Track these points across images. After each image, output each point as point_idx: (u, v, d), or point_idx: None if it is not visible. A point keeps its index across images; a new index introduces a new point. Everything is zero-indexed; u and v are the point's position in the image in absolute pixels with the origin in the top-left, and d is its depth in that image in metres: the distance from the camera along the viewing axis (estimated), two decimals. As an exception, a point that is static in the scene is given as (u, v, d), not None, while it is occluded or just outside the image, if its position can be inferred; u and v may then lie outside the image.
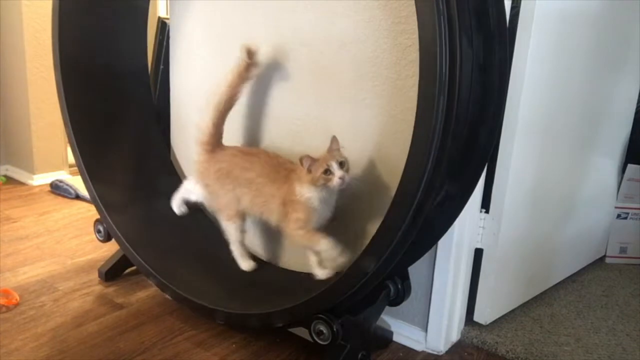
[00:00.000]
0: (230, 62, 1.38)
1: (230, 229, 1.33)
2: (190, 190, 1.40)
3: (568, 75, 1.38)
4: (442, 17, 0.81)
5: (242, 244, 1.36)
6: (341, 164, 1.10)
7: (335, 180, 1.09)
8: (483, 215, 1.30)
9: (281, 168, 1.22)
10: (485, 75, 0.93)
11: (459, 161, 0.95)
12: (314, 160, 1.11)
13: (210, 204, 1.38)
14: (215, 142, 1.32)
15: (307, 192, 1.14)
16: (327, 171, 1.09)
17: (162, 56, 1.84)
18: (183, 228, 1.48)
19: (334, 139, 1.14)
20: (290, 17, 1.29)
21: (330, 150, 1.13)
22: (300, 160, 1.12)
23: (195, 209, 1.47)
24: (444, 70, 0.83)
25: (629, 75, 1.69)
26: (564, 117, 1.43)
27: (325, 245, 1.14)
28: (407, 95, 1.13)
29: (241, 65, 1.26)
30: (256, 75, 1.30)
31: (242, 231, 1.35)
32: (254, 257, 1.41)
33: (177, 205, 1.44)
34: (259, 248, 1.50)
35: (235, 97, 1.29)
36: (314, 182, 1.12)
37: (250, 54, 1.25)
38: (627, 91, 1.72)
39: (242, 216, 1.33)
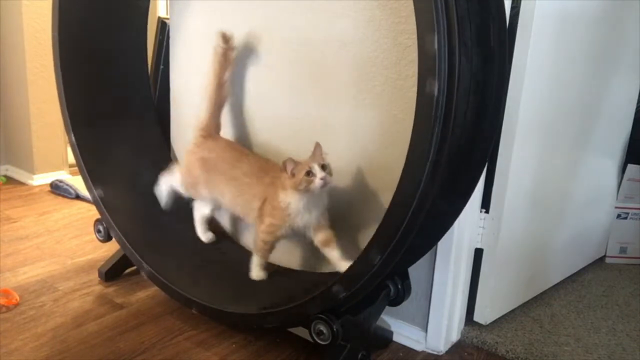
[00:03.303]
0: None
1: (198, 208, 1.42)
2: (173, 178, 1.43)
3: (568, 75, 1.38)
4: (441, 17, 0.81)
5: (205, 221, 1.45)
6: (323, 167, 1.11)
7: (317, 181, 1.09)
8: (483, 215, 1.30)
9: (270, 170, 1.23)
10: (485, 74, 0.93)
11: (459, 161, 0.95)
12: (297, 163, 1.12)
13: (186, 186, 1.40)
14: (211, 130, 1.36)
15: (288, 198, 1.15)
16: (309, 173, 1.10)
17: (162, 56, 1.85)
18: (183, 228, 1.48)
19: (317, 145, 1.15)
20: (290, 17, 1.29)
21: (313, 155, 1.14)
22: (284, 163, 1.13)
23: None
24: (443, 70, 0.83)
25: (629, 75, 1.69)
26: (564, 117, 1.43)
27: (254, 272, 1.27)
28: (407, 95, 1.13)
29: (219, 53, 1.31)
30: (235, 59, 1.34)
31: (210, 213, 1.44)
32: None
33: (163, 196, 1.44)
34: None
35: (224, 85, 1.34)
36: (295, 186, 1.12)
37: (226, 38, 1.30)
38: (627, 91, 1.72)
39: (214, 203, 1.38)
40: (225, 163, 1.30)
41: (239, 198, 1.28)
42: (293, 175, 1.12)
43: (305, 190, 1.12)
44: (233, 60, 1.34)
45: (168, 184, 1.42)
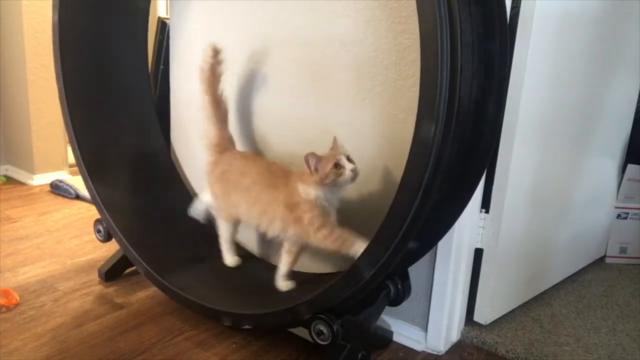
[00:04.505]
0: (229, 62, 1.38)
1: (223, 228, 1.36)
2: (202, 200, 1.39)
3: (568, 75, 1.38)
4: (443, 19, 0.81)
5: (232, 241, 1.38)
6: (348, 159, 1.08)
7: (347, 173, 1.06)
8: (483, 215, 1.30)
9: (279, 172, 1.20)
10: (486, 75, 0.93)
11: (459, 162, 0.95)
12: (320, 157, 1.08)
13: (212, 204, 1.37)
14: (224, 145, 1.32)
15: (312, 191, 1.10)
16: (337, 165, 1.06)
17: (162, 56, 1.85)
18: (183, 228, 1.48)
19: (335, 140, 1.12)
20: (290, 17, 1.29)
21: (334, 148, 1.12)
22: (306, 158, 1.08)
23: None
24: (444, 72, 0.83)
25: (629, 75, 1.69)
26: (564, 117, 1.43)
27: (362, 247, 1.03)
28: (407, 95, 1.13)
29: (206, 69, 1.28)
30: (222, 72, 1.30)
31: (234, 232, 1.37)
32: (248, 255, 1.46)
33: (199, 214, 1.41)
34: (259, 249, 1.50)
35: (219, 98, 1.30)
36: (322, 181, 1.07)
37: (215, 51, 1.27)
38: (627, 91, 1.72)
39: (236, 220, 1.33)
40: (237, 172, 1.26)
41: (254, 207, 1.22)
42: (316, 170, 1.08)
43: (332, 183, 1.07)
44: (221, 73, 1.29)
45: (202, 206, 1.39)
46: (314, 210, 1.10)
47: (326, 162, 1.07)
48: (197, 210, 1.40)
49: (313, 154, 1.08)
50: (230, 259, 1.39)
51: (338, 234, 1.08)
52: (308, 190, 1.11)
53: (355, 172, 1.07)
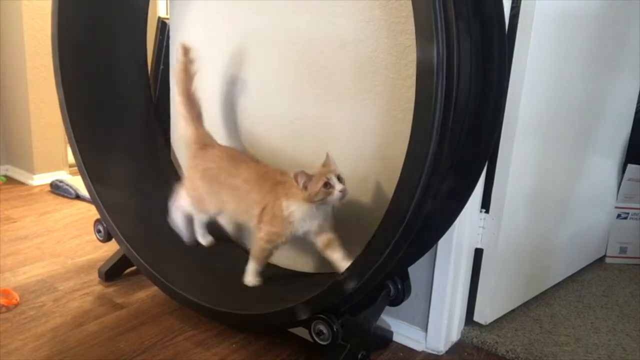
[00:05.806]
0: (229, 62, 1.38)
1: (198, 218, 1.39)
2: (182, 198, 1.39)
3: (568, 75, 1.38)
4: (439, 16, 0.81)
5: (205, 225, 1.42)
6: (338, 178, 1.10)
7: (336, 194, 1.08)
8: (483, 215, 1.30)
9: (269, 177, 1.21)
10: (485, 72, 0.93)
11: (459, 160, 0.95)
12: (309, 176, 1.10)
13: (193, 203, 1.36)
14: (203, 141, 1.33)
15: (292, 207, 1.13)
16: (327, 184, 1.08)
17: (162, 56, 1.85)
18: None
19: (328, 157, 1.13)
20: (290, 17, 1.29)
21: (326, 165, 1.13)
22: (295, 176, 1.10)
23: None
24: (441, 69, 0.83)
25: (629, 75, 1.69)
26: (564, 116, 1.43)
27: (248, 278, 1.25)
28: (407, 95, 1.13)
29: (178, 69, 1.30)
30: (197, 71, 1.33)
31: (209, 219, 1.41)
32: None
33: (180, 226, 1.42)
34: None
35: (192, 97, 1.33)
36: (311, 198, 1.10)
37: (185, 50, 1.29)
38: (627, 91, 1.72)
39: (217, 213, 1.37)
40: (224, 172, 1.27)
41: (239, 206, 1.25)
42: (305, 187, 1.10)
43: (321, 202, 1.10)
44: (195, 72, 1.32)
45: (179, 210, 1.39)
46: (278, 226, 1.16)
47: (316, 180, 1.09)
48: (175, 220, 1.41)
49: (303, 172, 1.10)
50: (204, 241, 1.43)
51: (265, 257, 1.24)
52: (289, 205, 1.14)
53: (344, 193, 1.09)
